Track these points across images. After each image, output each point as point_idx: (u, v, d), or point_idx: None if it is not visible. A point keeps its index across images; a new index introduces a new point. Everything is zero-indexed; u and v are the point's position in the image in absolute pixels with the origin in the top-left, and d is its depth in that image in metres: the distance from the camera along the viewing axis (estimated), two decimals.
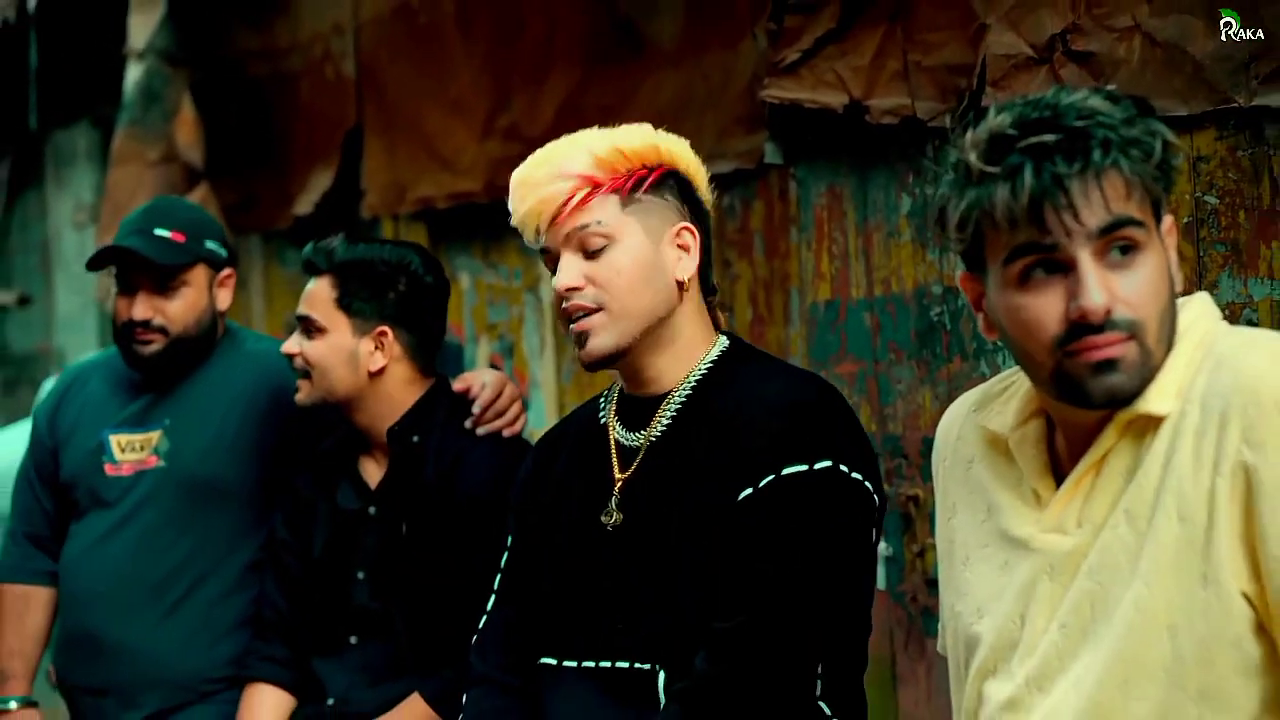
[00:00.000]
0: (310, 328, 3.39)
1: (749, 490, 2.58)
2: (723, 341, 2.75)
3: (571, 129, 4.38)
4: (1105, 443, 2.02)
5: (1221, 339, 2.03)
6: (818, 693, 2.60)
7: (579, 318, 2.66)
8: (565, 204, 2.64)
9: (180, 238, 3.70)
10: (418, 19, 5.25)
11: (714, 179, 2.86)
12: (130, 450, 3.73)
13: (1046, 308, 1.97)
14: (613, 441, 2.77)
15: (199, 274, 3.69)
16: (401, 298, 3.42)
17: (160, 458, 3.69)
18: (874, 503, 2.62)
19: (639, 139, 2.73)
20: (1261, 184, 2.82)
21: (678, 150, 2.73)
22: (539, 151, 2.73)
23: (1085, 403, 2.01)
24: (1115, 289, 1.97)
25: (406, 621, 3.33)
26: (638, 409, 2.75)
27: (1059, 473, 2.11)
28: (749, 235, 4.16)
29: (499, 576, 2.98)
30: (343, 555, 3.43)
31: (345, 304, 3.38)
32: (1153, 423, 1.99)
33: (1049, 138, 1.99)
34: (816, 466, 2.55)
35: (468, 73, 5.01)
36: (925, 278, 3.65)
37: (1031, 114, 2.01)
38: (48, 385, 6.89)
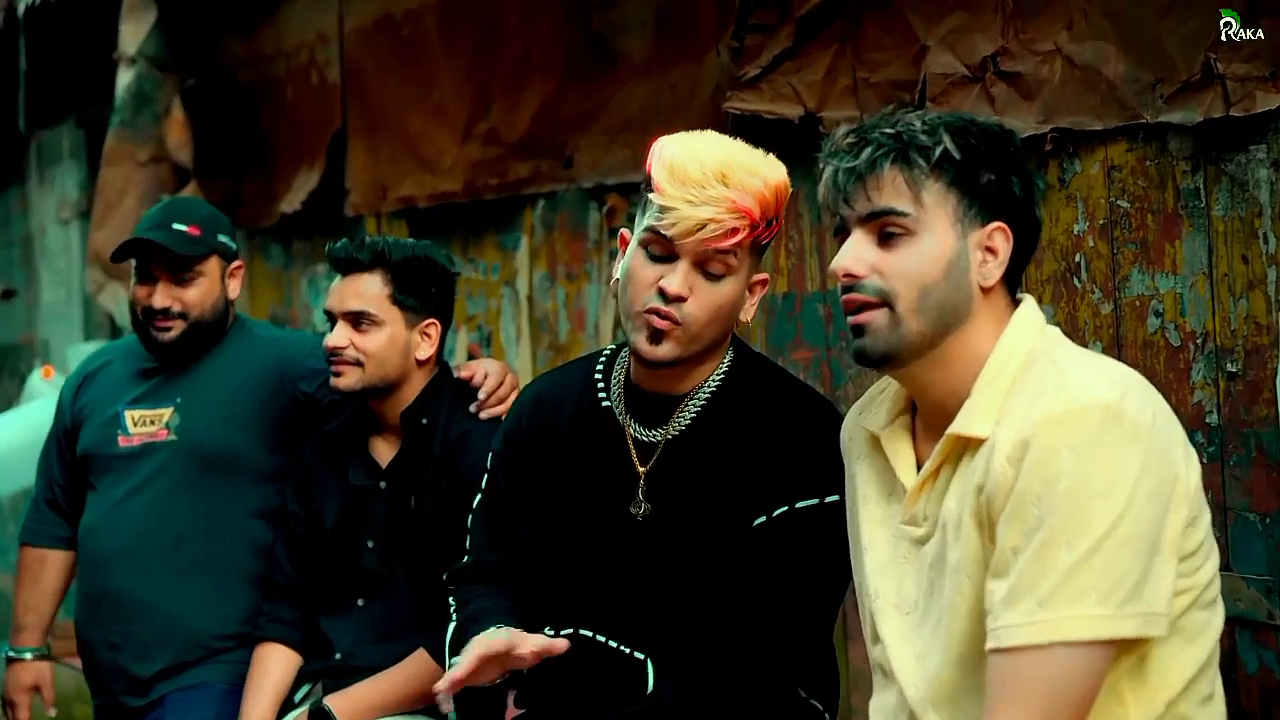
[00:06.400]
0: (363, 320, 3.43)
1: (763, 518, 2.61)
2: (731, 350, 2.75)
3: (547, 136, 4.67)
4: (938, 458, 2.18)
5: (1041, 364, 2.13)
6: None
7: (667, 315, 2.63)
8: (729, 234, 2.57)
9: (196, 231, 3.74)
10: (401, 30, 5.23)
11: None
12: (142, 424, 3.79)
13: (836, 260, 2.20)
14: (630, 437, 2.76)
15: (213, 265, 3.76)
16: (441, 293, 3.50)
17: (170, 431, 3.74)
18: None
19: (782, 188, 2.61)
20: (1166, 190, 2.96)
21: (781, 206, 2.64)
22: (712, 157, 2.57)
23: (858, 359, 2.18)
24: (874, 261, 2.17)
25: (411, 584, 3.38)
26: (654, 406, 2.75)
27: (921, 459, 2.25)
28: None
29: (479, 518, 2.94)
30: (354, 525, 3.48)
31: (399, 299, 3.46)
32: (973, 443, 2.13)
33: (847, 144, 2.21)
34: (826, 500, 2.58)
35: (450, 82, 5.01)
36: None
37: (853, 130, 2.23)
38: (36, 374, 7.03)
